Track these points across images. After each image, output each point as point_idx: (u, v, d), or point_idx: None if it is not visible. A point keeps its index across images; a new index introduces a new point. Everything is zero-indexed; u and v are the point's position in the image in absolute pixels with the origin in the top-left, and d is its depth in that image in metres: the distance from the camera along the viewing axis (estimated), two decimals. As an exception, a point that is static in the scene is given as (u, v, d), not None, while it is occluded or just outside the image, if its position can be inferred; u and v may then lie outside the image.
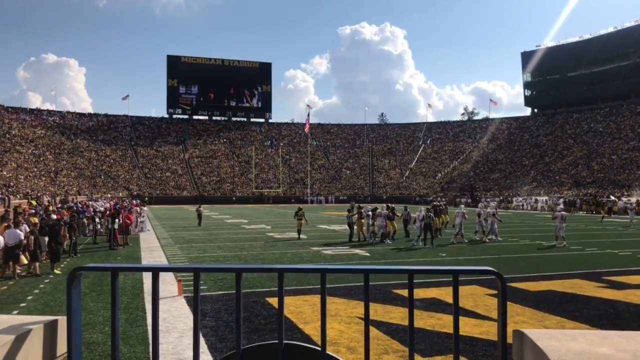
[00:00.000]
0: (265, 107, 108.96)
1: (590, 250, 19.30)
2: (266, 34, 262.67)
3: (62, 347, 1.43)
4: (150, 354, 1.44)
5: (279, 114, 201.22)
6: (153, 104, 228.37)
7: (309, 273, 1.53)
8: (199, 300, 1.44)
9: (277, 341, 1.43)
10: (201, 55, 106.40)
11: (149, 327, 8.46)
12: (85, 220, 25.94)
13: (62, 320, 1.42)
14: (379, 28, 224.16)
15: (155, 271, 1.44)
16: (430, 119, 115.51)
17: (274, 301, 10.36)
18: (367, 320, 1.42)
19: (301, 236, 24.19)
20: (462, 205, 27.26)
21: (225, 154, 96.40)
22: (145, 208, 33.06)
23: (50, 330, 1.39)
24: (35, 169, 73.19)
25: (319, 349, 1.43)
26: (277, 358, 1.43)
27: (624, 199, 52.09)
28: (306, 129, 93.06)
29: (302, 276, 13.18)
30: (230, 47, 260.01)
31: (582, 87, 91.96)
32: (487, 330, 8.27)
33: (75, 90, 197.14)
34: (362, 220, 23.32)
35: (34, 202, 38.70)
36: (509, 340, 1.37)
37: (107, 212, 24.82)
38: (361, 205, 27.72)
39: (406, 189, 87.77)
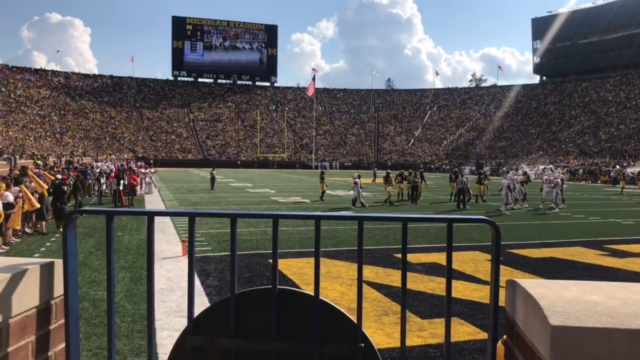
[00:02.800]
0: (271, 70, 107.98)
1: (593, 219, 19.33)
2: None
3: (58, 289, 1.45)
4: (146, 294, 1.47)
5: (285, 78, 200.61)
6: (158, 65, 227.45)
7: (303, 219, 1.58)
8: (194, 243, 1.45)
9: (271, 286, 1.45)
10: (206, 17, 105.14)
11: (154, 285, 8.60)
12: (90, 181, 26.10)
13: (59, 263, 1.44)
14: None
15: (151, 215, 1.46)
16: (438, 85, 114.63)
17: (279, 264, 10.48)
18: (360, 266, 1.44)
19: (304, 200, 24.39)
20: (512, 172, 28.14)
21: (230, 118, 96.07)
22: (153, 170, 33.23)
23: (47, 271, 1.40)
24: (41, 130, 73.27)
25: (312, 294, 1.46)
26: (270, 302, 1.46)
27: (629, 169, 51.96)
28: (310, 93, 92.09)
29: (304, 239, 13.33)
30: (236, 9, 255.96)
31: (592, 55, 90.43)
32: (486, 295, 8.35)
33: (80, 51, 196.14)
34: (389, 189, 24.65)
35: (39, 163, 38.89)
36: (501, 291, 1.38)
37: (112, 174, 24.95)
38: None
39: (411, 156, 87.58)
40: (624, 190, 36.04)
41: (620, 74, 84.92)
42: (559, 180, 23.01)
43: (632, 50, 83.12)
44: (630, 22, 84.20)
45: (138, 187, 24.88)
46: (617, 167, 53.32)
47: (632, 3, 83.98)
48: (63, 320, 1.40)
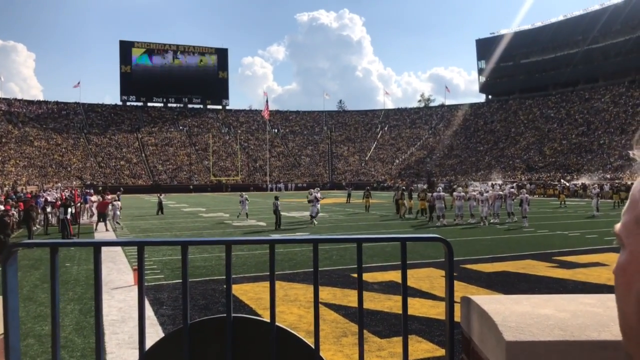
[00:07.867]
0: (222, 93, 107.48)
1: (542, 232, 19.95)
2: (222, 20, 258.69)
3: (-2, 327, 1.37)
4: (94, 328, 1.41)
5: (237, 101, 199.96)
6: (107, 90, 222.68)
7: (257, 244, 1.54)
8: (144, 274, 1.40)
9: (225, 315, 1.41)
10: (155, 41, 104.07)
11: (104, 317, 8.29)
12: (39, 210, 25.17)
13: (-2, 300, 1.36)
14: (337, 14, 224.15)
15: (97, 245, 1.40)
16: (390, 105, 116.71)
17: (235, 289, 10.31)
18: (316, 288, 1.42)
19: (259, 223, 24.24)
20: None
21: (181, 142, 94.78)
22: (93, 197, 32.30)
23: (-15, 310, 1.32)
24: (-19, 159, 70.30)
25: (268, 321, 1.43)
26: (225, 331, 1.42)
27: (574, 182, 54.09)
28: (265, 115, 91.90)
29: (261, 263, 13.18)
30: (186, 33, 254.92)
31: (534, 74, 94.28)
32: (443, 311, 8.39)
33: (24, 76, 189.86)
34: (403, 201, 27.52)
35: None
36: (457, 309, 1.39)
37: (59, 202, 24.12)
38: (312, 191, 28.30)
39: (365, 175, 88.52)
40: (564, 202, 37.63)
41: (560, 91, 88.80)
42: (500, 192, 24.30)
43: (569, 69, 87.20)
44: (566, 42, 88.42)
45: (110, 213, 24.55)
46: (562, 181, 55.38)
47: (566, 25, 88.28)
48: (3, 361, 1.32)
